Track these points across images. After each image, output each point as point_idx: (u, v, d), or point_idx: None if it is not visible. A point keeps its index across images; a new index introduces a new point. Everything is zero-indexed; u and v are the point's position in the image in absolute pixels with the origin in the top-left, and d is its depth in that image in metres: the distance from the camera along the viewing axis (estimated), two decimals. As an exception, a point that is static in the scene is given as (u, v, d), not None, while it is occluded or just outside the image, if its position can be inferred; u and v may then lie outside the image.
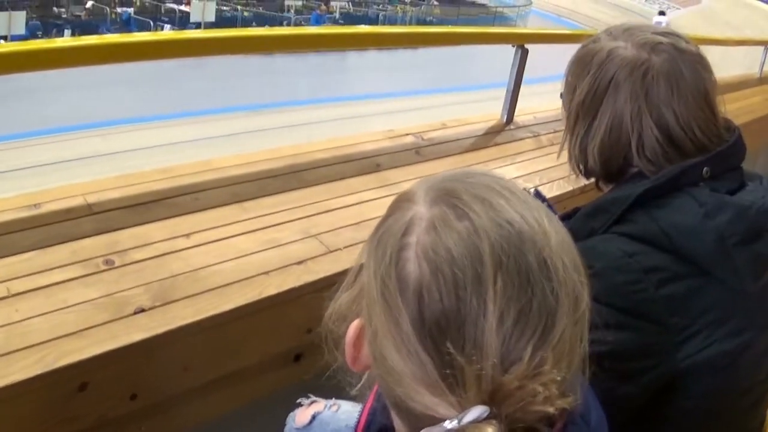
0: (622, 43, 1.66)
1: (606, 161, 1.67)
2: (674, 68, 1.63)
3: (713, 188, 1.59)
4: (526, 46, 4.66)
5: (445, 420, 0.86)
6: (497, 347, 0.88)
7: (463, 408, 0.86)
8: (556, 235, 0.97)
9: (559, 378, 0.88)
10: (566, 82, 1.76)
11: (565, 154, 1.85)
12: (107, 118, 10.37)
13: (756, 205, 1.57)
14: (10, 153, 9.08)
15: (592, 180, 1.85)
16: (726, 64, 6.76)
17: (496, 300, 0.89)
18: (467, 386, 0.87)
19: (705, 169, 1.60)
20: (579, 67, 1.71)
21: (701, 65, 1.68)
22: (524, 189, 1.04)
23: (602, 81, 1.64)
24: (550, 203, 1.19)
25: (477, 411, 0.85)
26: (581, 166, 1.76)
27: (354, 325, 1.05)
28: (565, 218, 1.78)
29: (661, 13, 35.37)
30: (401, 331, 0.92)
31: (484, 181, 1.00)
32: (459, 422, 0.85)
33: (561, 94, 1.81)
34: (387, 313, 0.94)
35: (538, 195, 1.24)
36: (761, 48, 8.83)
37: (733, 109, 4.87)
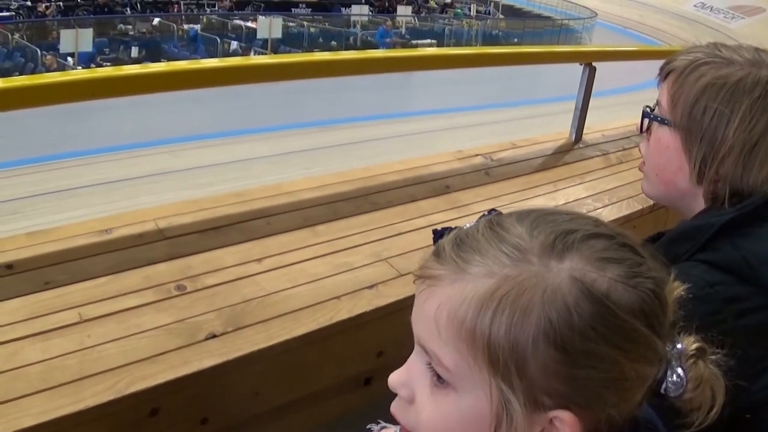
0: None
1: (759, 190, 1.62)
2: None
3: None
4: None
5: None
6: None
7: None
8: None
9: None
10: (701, 107, 1.68)
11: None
12: (177, 135, 10.45)
13: None
14: (82, 169, 9.17)
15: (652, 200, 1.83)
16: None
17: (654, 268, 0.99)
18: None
19: None
20: (728, 93, 1.65)
21: None
22: None
23: (765, 112, 1.59)
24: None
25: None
26: (722, 193, 1.70)
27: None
28: (649, 242, 1.75)
29: None
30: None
31: (538, 209, 1.02)
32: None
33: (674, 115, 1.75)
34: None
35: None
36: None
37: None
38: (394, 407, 1.05)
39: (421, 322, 0.99)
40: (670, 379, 1.00)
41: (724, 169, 1.60)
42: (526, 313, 0.90)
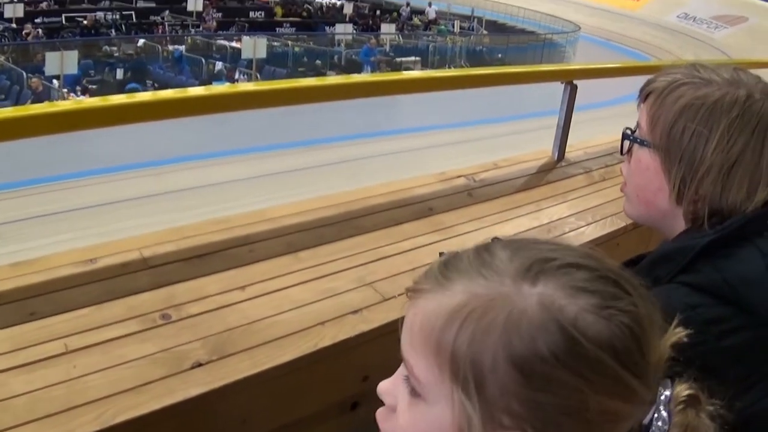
0: (746, 90, 1.62)
1: (738, 210, 1.63)
2: None
3: None
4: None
5: None
6: None
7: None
8: None
9: None
10: (679, 127, 1.69)
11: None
12: (161, 157, 10.43)
13: None
14: (66, 193, 9.15)
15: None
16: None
17: (639, 299, 0.99)
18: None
19: None
20: (707, 113, 1.65)
21: None
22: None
23: (743, 132, 1.60)
24: None
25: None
26: (701, 213, 1.71)
27: None
28: (630, 264, 1.75)
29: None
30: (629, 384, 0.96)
31: (526, 242, 1.04)
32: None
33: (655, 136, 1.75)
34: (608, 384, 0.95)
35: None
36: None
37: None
38: (379, 413, 1.09)
39: (403, 333, 1.03)
40: (656, 423, 1.01)
41: (703, 189, 1.61)
42: (488, 331, 0.93)
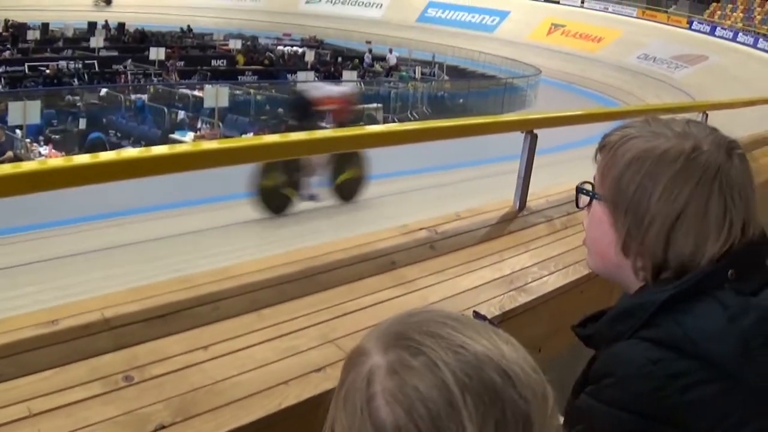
0: (693, 142, 1.64)
1: (689, 262, 1.64)
2: (745, 173, 1.63)
3: (738, 289, 1.58)
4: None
5: None
6: None
7: None
8: (506, 346, 1.03)
9: None
10: (626, 180, 1.69)
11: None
12: (124, 208, 10.38)
13: None
14: (29, 245, 9.10)
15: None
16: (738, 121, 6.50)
17: (473, 419, 0.94)
18: None
19: (730, 271, 1.59)
20: (652, 166, 1.66)
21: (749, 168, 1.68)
22: (464, 314, 1.12)
23: (686, 183, 1.61)
24: (491, 321, 1.20)
25: None
26: (654, 268, 1.71)
27: None
28: (590, 320, 1.76)
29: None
30: None
31: (428, 317, 1.07)
32: None
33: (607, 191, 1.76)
34: None
35: (477, 316, 1.25)
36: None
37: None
38: None
39: None
40: None
41: (648, 241, 1.64)
42: (344, 379, 1.07)
